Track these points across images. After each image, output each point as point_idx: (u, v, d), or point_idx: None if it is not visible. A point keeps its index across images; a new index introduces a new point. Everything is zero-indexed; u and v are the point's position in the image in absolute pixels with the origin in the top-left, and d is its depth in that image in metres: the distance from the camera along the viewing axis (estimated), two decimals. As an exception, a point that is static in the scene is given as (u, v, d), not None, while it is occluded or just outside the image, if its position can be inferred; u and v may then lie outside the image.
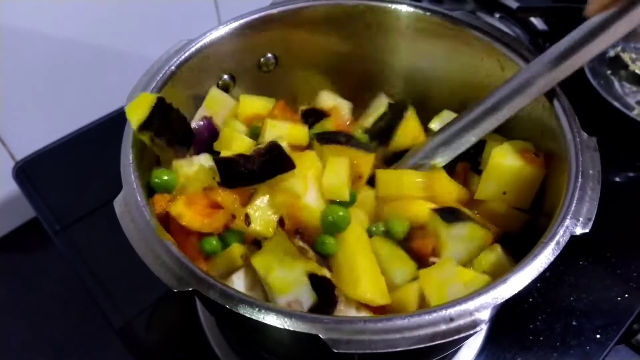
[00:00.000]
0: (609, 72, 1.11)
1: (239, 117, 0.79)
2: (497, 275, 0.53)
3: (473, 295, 0.48)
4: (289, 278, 0.56)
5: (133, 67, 1.00)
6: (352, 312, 0.58)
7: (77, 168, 1.03)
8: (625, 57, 1.13)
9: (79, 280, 0.87)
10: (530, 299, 0.81)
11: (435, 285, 0.58)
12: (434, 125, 0.81)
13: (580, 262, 0.85)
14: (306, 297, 0.55)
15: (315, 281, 0.56)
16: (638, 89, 1.10)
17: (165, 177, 0.65)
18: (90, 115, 1.08)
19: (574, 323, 0.79)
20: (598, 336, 0.78)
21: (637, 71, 1.11)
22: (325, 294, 0.56)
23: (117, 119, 1.08)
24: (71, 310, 1.03)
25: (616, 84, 1.10)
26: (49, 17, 0.97)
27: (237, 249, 0.62)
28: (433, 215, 0.66)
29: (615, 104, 0.99)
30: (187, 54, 0.72)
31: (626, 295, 0.82)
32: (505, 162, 0.67)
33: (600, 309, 0.80)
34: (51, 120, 1.06)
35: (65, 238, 0.93)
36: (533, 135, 0.70)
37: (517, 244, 0.65)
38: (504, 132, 0.76)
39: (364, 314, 0.59)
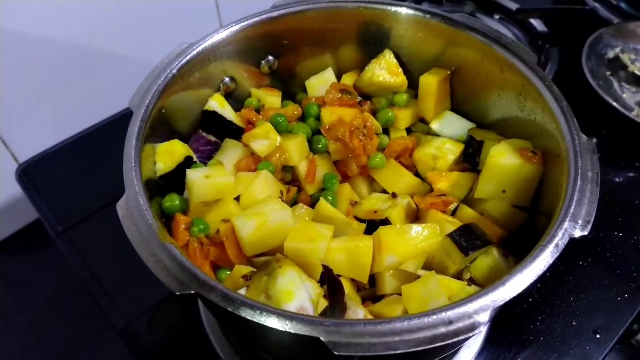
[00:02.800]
0: (608, 72, 1.11)
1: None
2: (494, 278, 0.53)
3: (472, 298, 0.49)
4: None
5: (134, 71, 1.00)
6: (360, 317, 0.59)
7: (79, 170, 1.03)
8: (625, 57, 1.13)
9: (80, 281, 0.88)
10: (530, 299, 0.82)
11: (417, 302, 0.58)
12: (435, 125, 0.82)
13: (580, 262, 0.86)
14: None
15: (328, 275, 0.57)
16: (637, 89, 1.11)
17: (177, 202, 0.67)
18: (92, 119, 1.08)
19: (573, 323, 0.79)
20: (598, 336, 0.78)
21: (636, 72, 1.12)
22: (335, 299, 0.56)
23: (119, 121, 1.08)
24: (73, 312, 1.04)
25: (615, 85, 1.10)
26: (51, 22, 0.97)
27: (239, 270, 0.63)
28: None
29: (615, 104, 0.99)
30: (188, 57, 0.72)
31: (625, 295, 0.82)
32: (504, 160, 0.68)
33: (600, 309, 0.81)
34: (53, 123, 1.07)
35: (67, 239, 0.93)
36: (532, 135, 0.71)
37: (516, 244, 0.66)
38: (502, 132, 0.77)
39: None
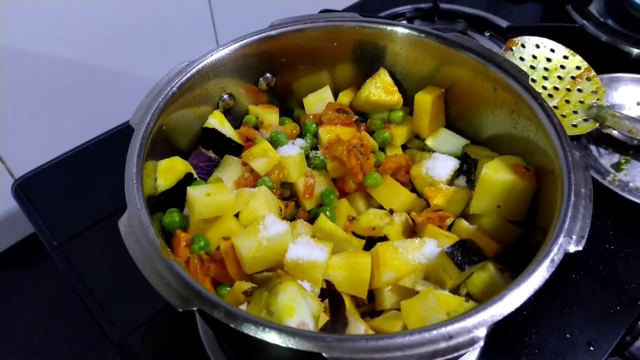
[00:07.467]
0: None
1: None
2: (490, 293, 0.54)
3: (471, 313, 0.50)
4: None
5: (129, 87, 1.01)
6: (361, 331, 0.60)
7: (75, 185, 1.03)
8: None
9: (76, 295, 0.88)
10: (525, 312, 0.83)
11: (416, 317, 0.59)
12: (430, 142, 0.83)
13: (573, 275, 0.87)
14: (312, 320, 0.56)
15: (330, 290, 0.58)
16: (613, 151, 1.03)
17: (177, 219, 0.67)
18: (88, 134, 1.09)
19: (567, 335, 0.80)
20: (591, 348, 0.79)
21: (610, 133, 1.05)
22: (337, 314, 0.57)
23: (114, 137, 1.09)
24: (68, 326, 1.03)
25: (591, 147, 1.03)
26: (49, 38, 0.98)
27: (240, 286, 0.63)
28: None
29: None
30: (187, 75, 0.73)
31: (618, 308, 0.83)
32: (497, 176, 0.70)
33: (593, 322, 0.82)
34: (49, 138, 1.07)
35: (63, 254, 0.93)
36: (525, 152, 0.72)
37: (512, 259, 0.67)
38: (496, 148, 0.78)
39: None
